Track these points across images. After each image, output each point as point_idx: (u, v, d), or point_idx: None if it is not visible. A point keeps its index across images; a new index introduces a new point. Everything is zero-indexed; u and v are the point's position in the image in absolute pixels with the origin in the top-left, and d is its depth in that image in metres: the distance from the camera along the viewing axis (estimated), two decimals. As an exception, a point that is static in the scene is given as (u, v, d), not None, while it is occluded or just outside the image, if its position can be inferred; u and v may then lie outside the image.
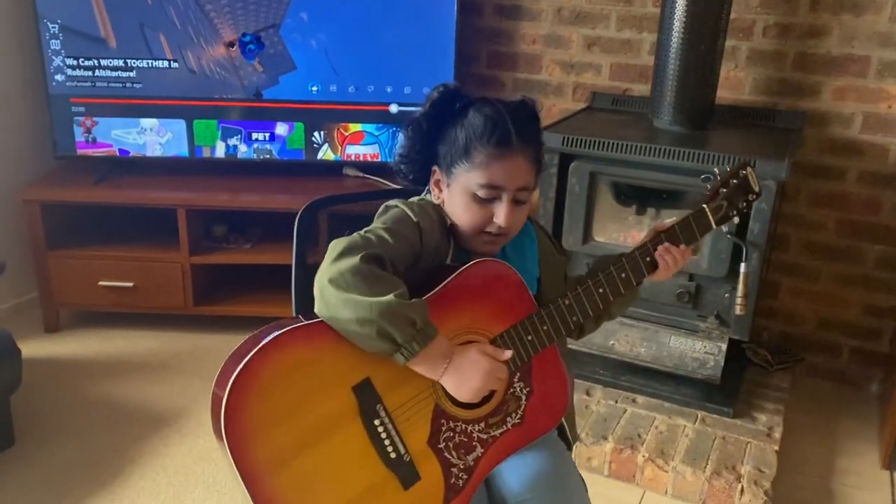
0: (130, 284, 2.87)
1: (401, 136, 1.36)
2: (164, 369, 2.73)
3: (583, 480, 1.43)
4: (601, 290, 1.32)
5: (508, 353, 1.25)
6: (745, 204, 1.39)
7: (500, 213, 1.26)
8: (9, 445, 2.27)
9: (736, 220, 1.40)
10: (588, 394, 2.50)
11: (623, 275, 1.34)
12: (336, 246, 1.18)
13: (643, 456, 2.21)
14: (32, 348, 2.78)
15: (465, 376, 1.19)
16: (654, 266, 1.36)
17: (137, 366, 2.75)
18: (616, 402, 2.46)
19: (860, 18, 2.48)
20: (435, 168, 1.33)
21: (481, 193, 1.26)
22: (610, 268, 1.33)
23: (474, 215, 1.27)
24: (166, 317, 2.99)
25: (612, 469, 2.25)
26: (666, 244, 1.35)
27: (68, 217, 2.97)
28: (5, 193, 2.94)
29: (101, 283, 2.87)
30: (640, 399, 2.48)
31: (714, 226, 1.38)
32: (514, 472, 1.33)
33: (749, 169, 1.39)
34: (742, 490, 2.09)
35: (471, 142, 1.25)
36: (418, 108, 1.33)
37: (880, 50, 2.48)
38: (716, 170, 1.40)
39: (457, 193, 1.29)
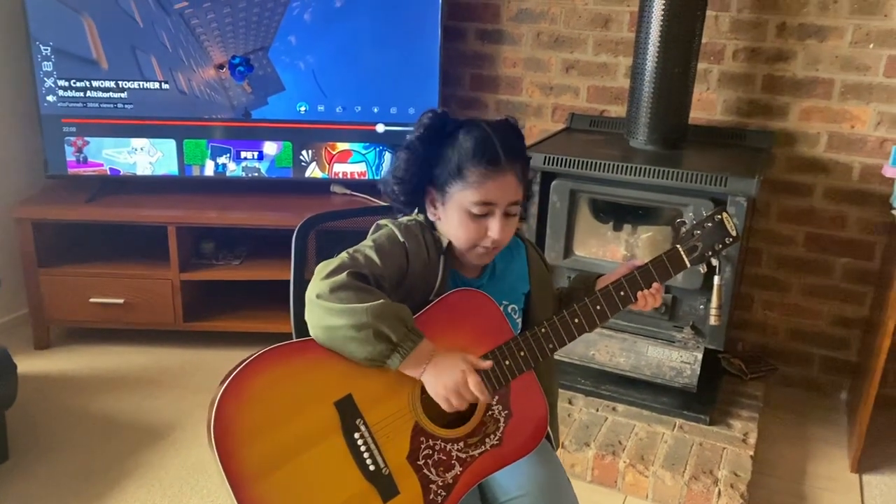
0: (121, 301, 2.91)
1: (395, 159, 1.43)
2: (156, 384, 2.78)
3: (569, 481, 1.51)
4: (577, 321, 1.39)
5: (488, 363, 1.32)
6: (721, 246, 1.47)
7: (494, 228, 1.35)
8: (3, 460, 2.31)
9: (714, 262, 1.47)
10: (570, 402, 2.58)
11: (598, 307, 1.41)
12: (325, 266, 1.28)
13: (624, 462, 2.29)
14: (23, 365, 2.78)
15: (443, 372, 1.27)
16: (628, 300, 1.43)
17: (129, 381, 2.79)
18: (597, 410, 2.55)
19: (823, 44, 2.61)
20: (430, 188, 1.41)
21: (475, 210, 1.34)
22: (585, 300, 1.40)
23: (469, 231, 1.36)
24: (157, 333, 3.03)
25: (595, 475, 2.33)
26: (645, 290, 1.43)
27: (59, 235, 3.01)
28: (-4, 212, 2.98)
29: (91, 299, 2.91)
30: (621, 407, 2.57)
31: (689, 265, 1.46)
32: (507, 472, 1.40)
33: (725, 214, 1.47)
34: (719, 493, 2.18)
35: (463, 163, 1.34)
36: (410, 132, 1.41)
37: (843, 73, 2.61)
38: (691, 214, 1.48)
39: (452, 211, 1.37)
